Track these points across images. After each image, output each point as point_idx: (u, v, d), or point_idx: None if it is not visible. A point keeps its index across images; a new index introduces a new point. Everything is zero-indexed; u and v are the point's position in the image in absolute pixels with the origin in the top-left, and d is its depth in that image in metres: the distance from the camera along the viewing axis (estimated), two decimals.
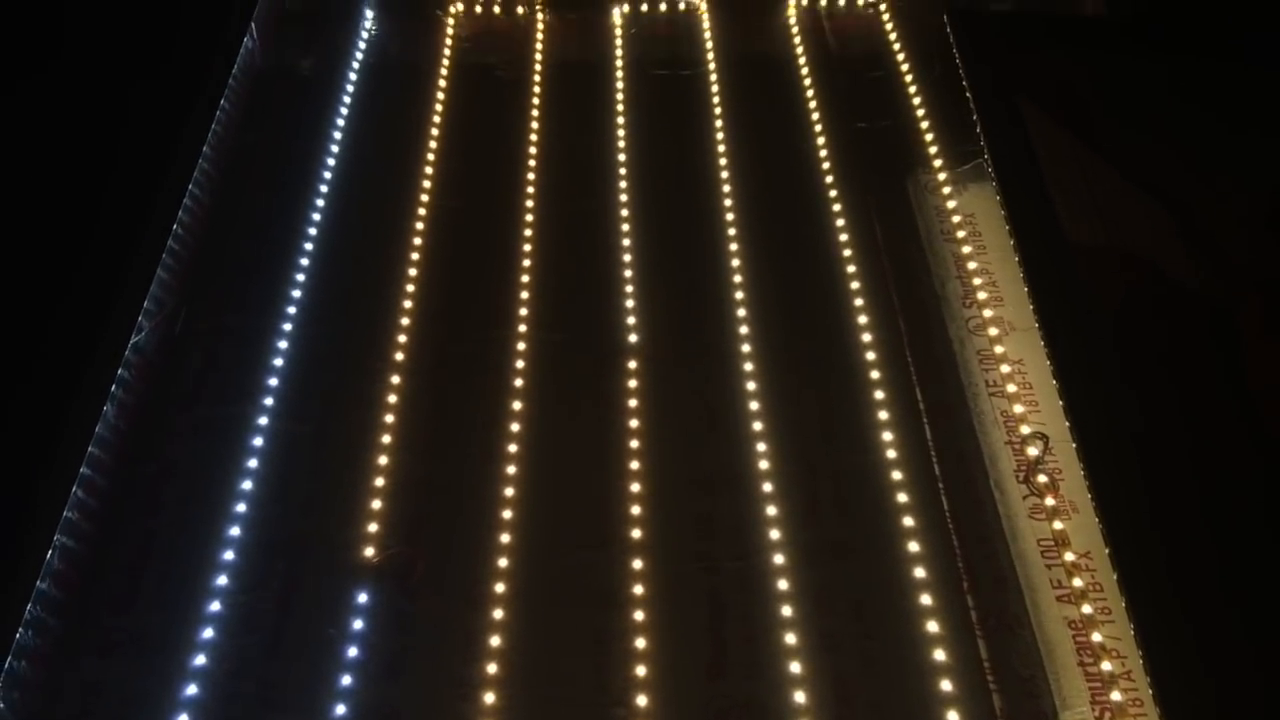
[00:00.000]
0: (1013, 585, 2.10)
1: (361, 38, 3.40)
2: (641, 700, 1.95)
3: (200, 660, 2.01)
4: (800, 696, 1.95)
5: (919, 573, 2.11)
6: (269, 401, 2.43)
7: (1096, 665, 1.97)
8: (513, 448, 2.34)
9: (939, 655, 1.99)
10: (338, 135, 3.06)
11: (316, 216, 2.84)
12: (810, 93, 3.19)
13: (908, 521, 2.19)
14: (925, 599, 2.07)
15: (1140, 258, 2.47)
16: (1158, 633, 1.86)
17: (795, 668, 1.97)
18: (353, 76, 3.26)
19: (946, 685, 1.94)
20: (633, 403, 2.42)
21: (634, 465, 2.31)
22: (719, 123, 3.10)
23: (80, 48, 3.17)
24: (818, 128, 3.07)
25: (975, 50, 2.90)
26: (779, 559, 2.14)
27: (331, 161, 2.99)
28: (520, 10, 3.51)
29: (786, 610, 2.06)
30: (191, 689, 1.97)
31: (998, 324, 2.55)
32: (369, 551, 2.17)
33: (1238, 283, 2.38)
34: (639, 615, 2.06)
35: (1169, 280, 2.41)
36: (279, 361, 2.51)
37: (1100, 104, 2.78)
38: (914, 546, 2.15)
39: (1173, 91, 2.81)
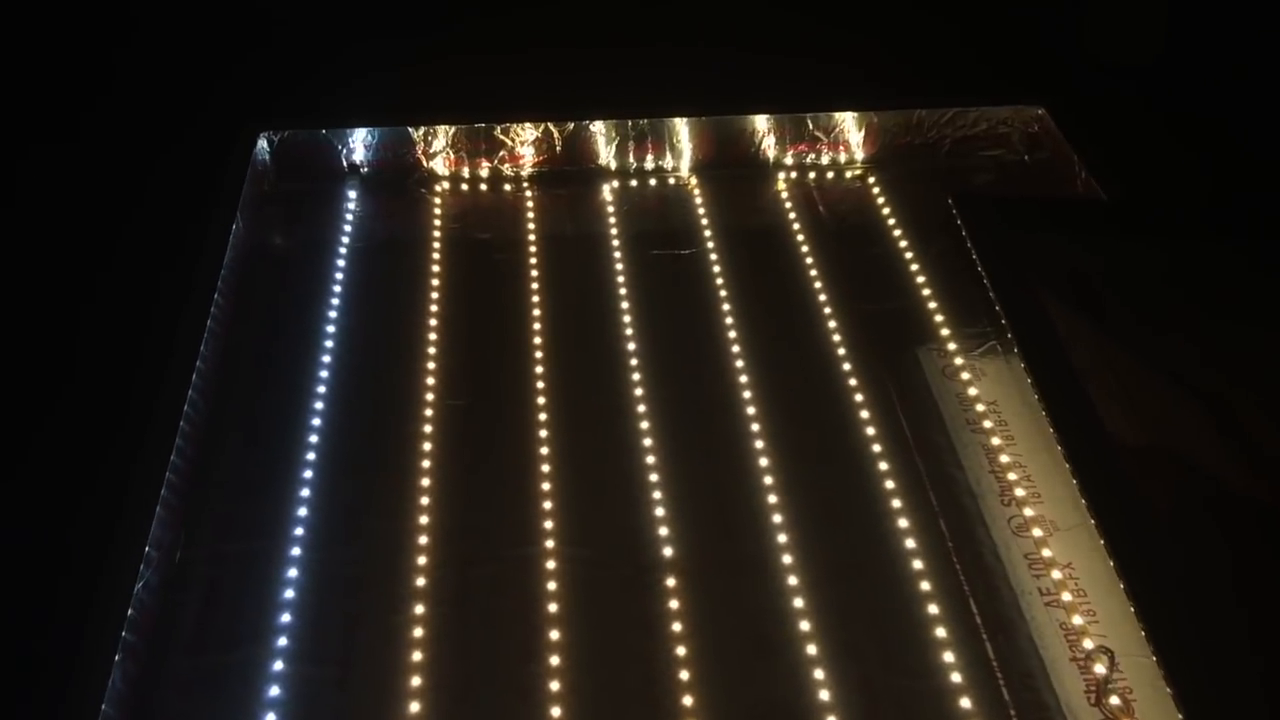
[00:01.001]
0: None
1: (346, 219, 3.28)
2: None
3: None
4: None
5: None
6: (283, 642, 2.24)
7: None
8: (554, 685, 2.18)
9: None
10: (331, 329, 2.92)
11: (316, 422, 2.67)
12: (814, 272, 3.15)
13: None
14: None
15: (1182, 454, 2.43)
16: None
17: None
18: (341, 261, 3.13)
19: None
20: (676, 626, 2.28)
21: (687, 701, 2.16)
22: (725, 305, 3.03)
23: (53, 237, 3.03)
24: (826, 310, 3.02)
25: (982, 234, 2.88)
26: None
27: (327, 359, 2.83)
28: (507, 188, 3.45)
29: None
30: None
31: (1040, 524, 2.48)
32: None
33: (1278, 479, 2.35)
34: None
35: (1213, 477, 2.38)
36: (290, 594, 2.32)
37: (1110, 290, 2.77)
38: None
39: (1177, 276, 2.82)
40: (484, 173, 3.47)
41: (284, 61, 3.62)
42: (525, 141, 3.45)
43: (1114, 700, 2.16)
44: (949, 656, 2.23)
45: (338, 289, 3.06)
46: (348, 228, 3.27)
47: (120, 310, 2.78)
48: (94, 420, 2.51)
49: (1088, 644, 2.25)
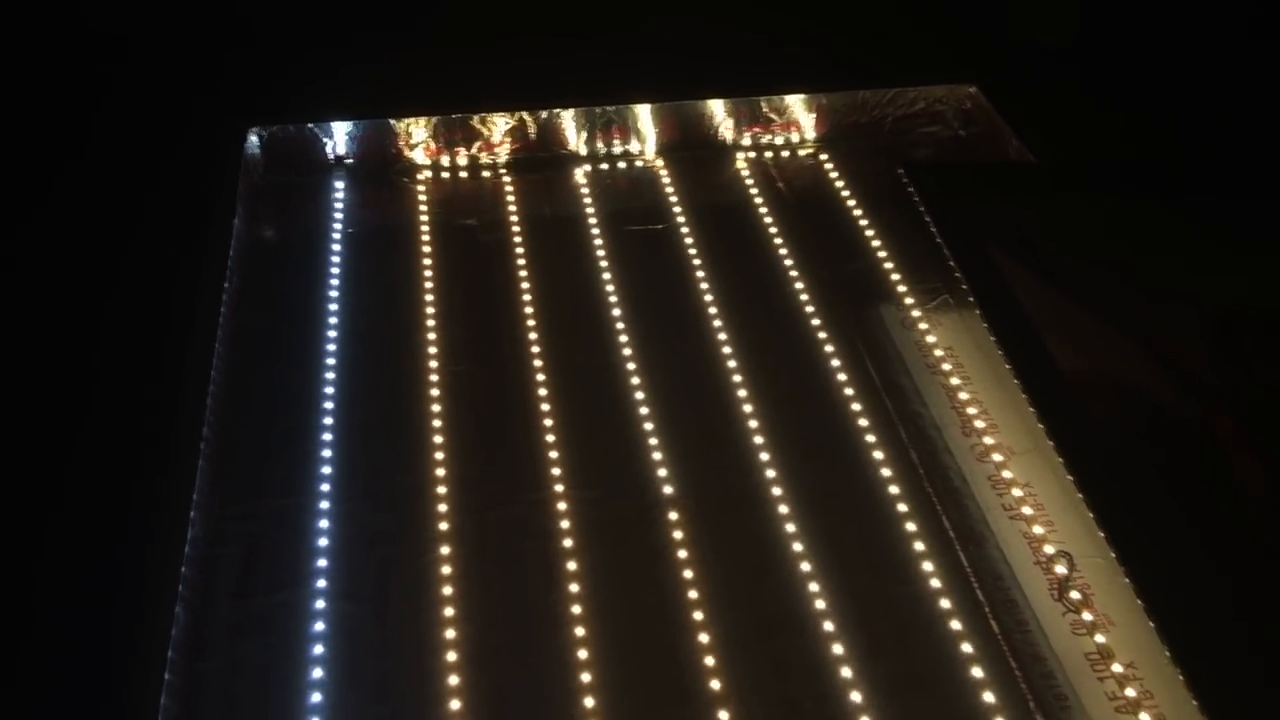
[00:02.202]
0: (1074, 703, 2.25)
1: (335, 209, 3.47)
2: None
3: None
4: None
5: (988, 697, 2.24)
6: (322, 584, 2.42)
7: None
8: (576, 609, 2.39)
9: None
10: (333, 307, 3.11)
11: (330, 390, 2.86)
12: (778, 240, 3.41)
13: (966, 648, 2.33)
14: None
15: (1123, 385, 2.72)
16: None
17: None
18: (336, 246, 3.32)
19: None
20: (682, 554, 2.51)
21: (697, 616, 2.39)
22: (700, 273, 3.28)
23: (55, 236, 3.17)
24: (793, 273, 3.28)
25: (932, 199, 3.16)
26: (855, 696, 2.25)
27: (333, 334, 3.02)
28: (486, 175, 3.66)
29: None
30: None
31: (999, 450, 2.75)
32: None
33: (1209, 401, 2.65)
34: None
35: (1152, 403, 2.67)
36: (324, 542, 2.51)
37: (1052, 245, 3.06)
38: (977, 672, 2.29)
39: (1112, 230, 3.13)
40: (463, 161, 3.67)
41: (265, 59, 3.78)
42: (500, 130, 3.66)
43: (1074, 595, 2.43)
44: (928, 565, 2.49)
45: (335, 272, 3.24)
46: (338, 216, 3.45)
47: (139, 299, 2.93)
48: (129, 401, 2.65)
49: (1048, 549, 2.52)
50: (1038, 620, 2.40)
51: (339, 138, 3.59)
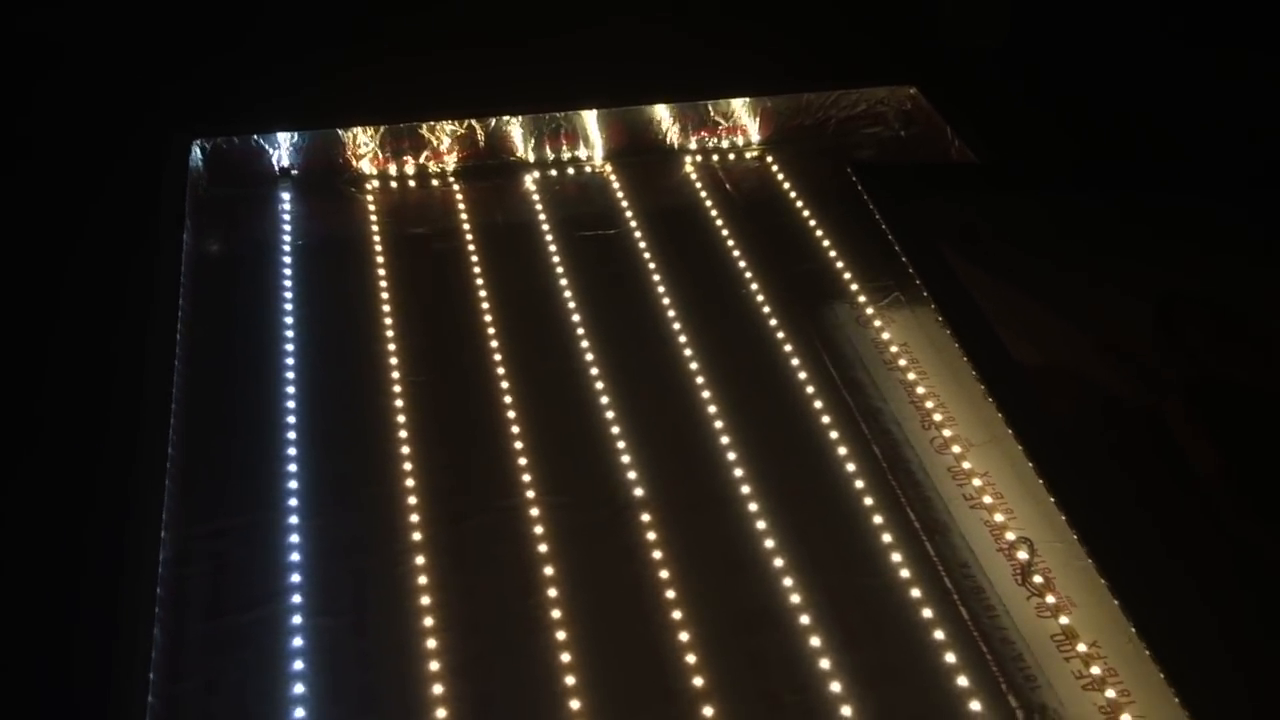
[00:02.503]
0: (1043, 682, 2.32)
1: (284, 221, 3.43)
2: None
3: None
4: None
5: (962, 681, 2.30)
6: (296, 599, 2.40)
7: None
8: (556, 613, 2.40)
9: None
10: (289, 320, 3.08)
11: (290, 405, 2.83)
12: (730, 242, 3.46)
13: (938, 635, 2.39)
14: (975, 705, 2.26)
15: (1075, 375, 2.81)
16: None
17: None
18: (287, 259, 3.29)
19: None
20: (656, 554, 2.54)
21: (675, 615, 2.41)
22: (655, 276, 3.31)
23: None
24: (747, 274, 3.33)
25: (881, 197, 3.23)
26: (835, 686, 2.29)
27: (290, 348, 2.99)
28: (435, 183, 3.65)
29: None
30: None
31: (957, 442, 2.83)
32: None
33: (1158, 388, 2.75)
34: None
35: (1104, 392, 2.77)
36: (295, 556, 2.48)
37: (999, 241, 3.15)
38: (950, 658, 2.35)
39: (1057, 225, 3.23)
40: (410, 170, 3.66)
41: (206, 69, 3.74)
42: (448, 139, 3.66)
43: (1037, 579, 2.51)
44: (896, 556, 2.55)
45: (288, 284, 3.21)
46: (287, 228, 3.42)
47: (89, 318, 2.88)
48: (89, 423, 2.62)
49: (1009, 536, 2.59)
50: (1004, 605, 2.47)
51: (284, 149, 3.56)
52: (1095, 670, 2.34)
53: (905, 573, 2.52)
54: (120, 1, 4.03)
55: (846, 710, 2.25)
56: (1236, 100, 3.87)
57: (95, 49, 3.82)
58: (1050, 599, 2.47)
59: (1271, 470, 2.55)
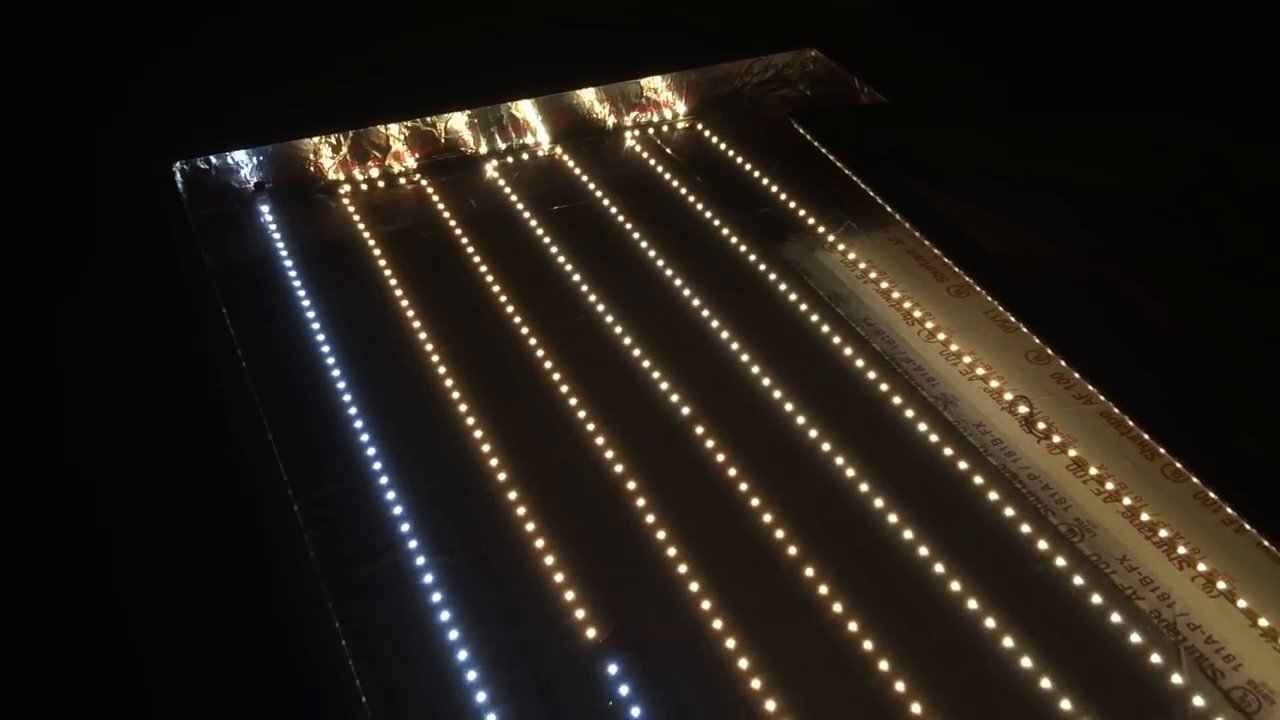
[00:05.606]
0: (1072, 503, 2.73)
1: (271, 231, 3.57)
2: None
3: None
4: None
5: (1009, 511, 2.69)
6: (413, 544, 2.59)
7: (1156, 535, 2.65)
8: (650, 518, 2.67)
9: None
10: (311, 315, 3.23)
11: (342, 385, 3.00)
12: (691, 199, 3.79)
13: (977, 480, 2.77)
14: (1025, 528, 2.64)
15: (1031, 257, 3.26)
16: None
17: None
18: (288, 264, 3.43)
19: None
20: (720, 457, 2.83)
21: (754, 502, 2.71)
22: (635, 235, 3.61)
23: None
24: (715, 222, 3.67)
25: (826, 137, 3.62)
26: (907, 534, 2.64)
27: (321, 338, 3.14)
28: (402, 182, 3.85)
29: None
30: None
31: (941, 330, 3.23)
32: (591, 633, 2.42)
33: (1101, 261, 3.23)
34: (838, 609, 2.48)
35: (1059, 267, 3.23)
36: (398, 510, 2.67)
37: (936, 161, 3.58)
38: (993, 495, 2.73)
39: (980, 144, 3.69)
40: (375, 173, 3.84)
41: (159, 94, 3.83)
42: (404, 140, 3.86)
43: (1040, 426, 2.93)
44: (922, 427, 2.92)
45: (297, 287, 3.35)
46: (277, 237, 3.55)
47: (158, 344, 3.00)
48: (182, 432, 2.76)
49: (1008, 396, 3.01)
50: (1021, 449, 2.88)
51: (254, 165, 3.69)
52: (1110, 486, 2.77)
53: (934, 438, 2.90)
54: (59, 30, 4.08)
55: (915, 543, 2.61)
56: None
57: (47, 70, 3.86)
58: (1056, 439, 2.89)
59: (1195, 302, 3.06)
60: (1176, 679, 2.34)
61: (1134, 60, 4.15)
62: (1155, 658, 2.38)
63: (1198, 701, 2.30)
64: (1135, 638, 2.42)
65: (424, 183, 3.83)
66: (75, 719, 2.26)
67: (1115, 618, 2.45)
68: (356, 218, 3.66)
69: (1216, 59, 4.18)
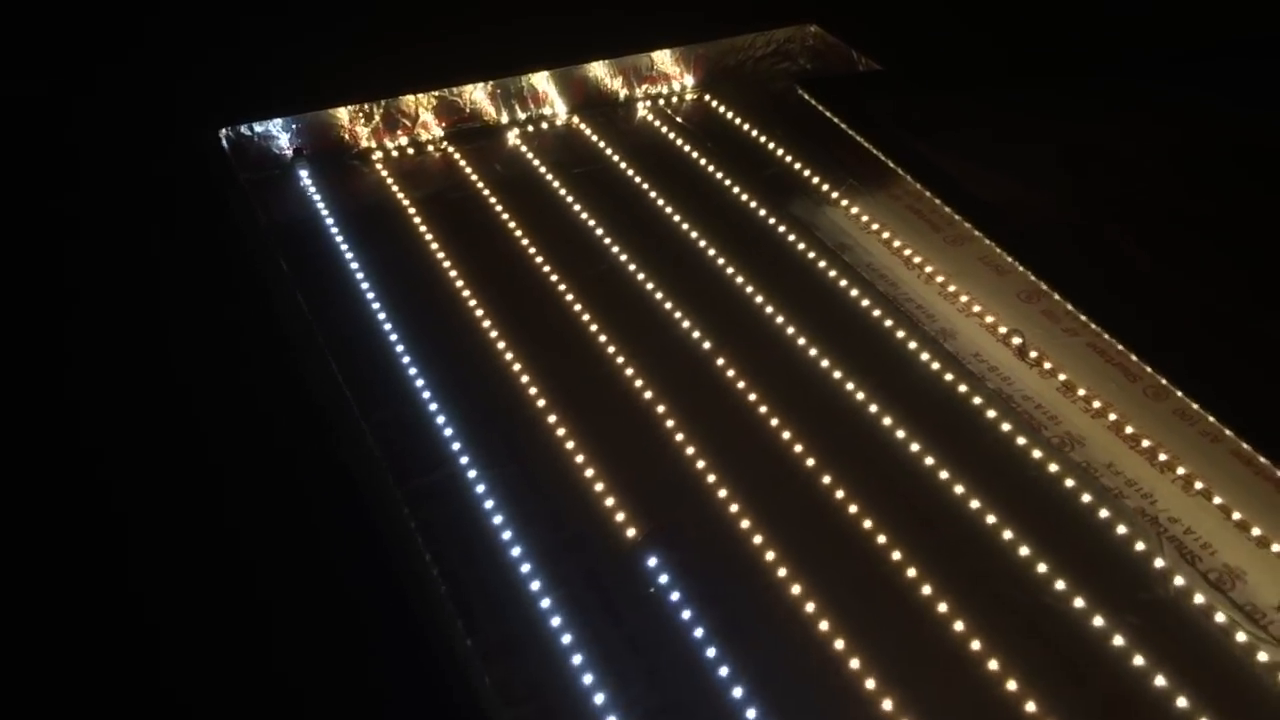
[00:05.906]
0: (1063, 419, 3.01)
1: (313, 195, 3.82)
2: None
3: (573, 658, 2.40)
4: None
5: (1005, 427, 2.95)
6: (465, 460, 2.84)
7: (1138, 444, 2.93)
8: (680, 436, 2.92)
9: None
10: (356, 267, 3.48)
11: (388, 327, 3.26)
12: (703, 162, 4.06)
13: (976, 400, 3.04)
14: (1021, 440, 2.91)
15: (1023, 205, 3.53)
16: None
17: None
18: (333, 227, 3.67)
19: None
20: (741, 385, 3.09)
21: (785, 435, 2.95)
22: (653, 194, 3.87)
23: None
24: (726, 182, 3.94)
25: (832, 103, 3.90)
26: (914, 446, 2.90)
27: (372, 297, 3.38)
28: (430, 149, 4.11)
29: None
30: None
31: (940, 274, 3.50)
32: (631, 533, 2.67)
33: (1087, 210, 3.51)
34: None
35: (1050, 217, 3.50)
36: (449, 432, 2.92)
37: (932, 124, 3.86)
38: (991, 413, 3.00)
39: (972, 108, 3.97)
40: (404, 141, 4.10)
41: (209, 64, 4.11)
42: (432, 109, 4.12)
43: (1033, 354, 3.20)
44: (925, 356, 3.19)
45: (341, 242, 3.60)
46: (317, 198, 3.80)
47: (225, 319, 3.23)
48: (259, 373, 3.02)
49: (1002, 329, 3.28)
50: (1015, 375, 3.15)
51: (294, 132, 3.94)
52: (1097, 404, 3.04)
53: (935, 365, 3.16)
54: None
55: (922, 454, 2.87)
56: None
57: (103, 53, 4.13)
58: (1047, 365, 3.16)
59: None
60: (1159, 563, 2.60)
61: (1120, 29, 4.44)
62: (1140, 545, 2.64)
63: (1178, 581, 2.56)
64: (1122, 529, 2.68)
65: (451, 150, 4.09)
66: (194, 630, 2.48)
67: (1104, 513, 2.72)
68: (390, 181, 3.91)
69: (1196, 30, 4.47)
